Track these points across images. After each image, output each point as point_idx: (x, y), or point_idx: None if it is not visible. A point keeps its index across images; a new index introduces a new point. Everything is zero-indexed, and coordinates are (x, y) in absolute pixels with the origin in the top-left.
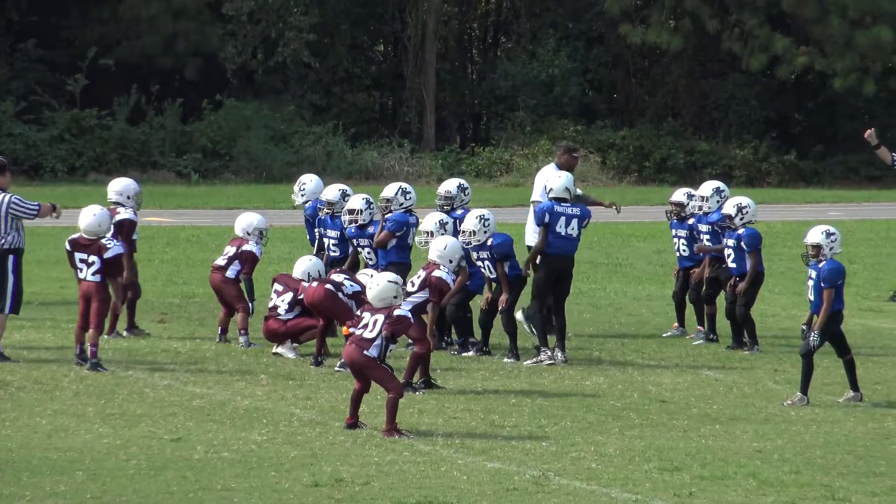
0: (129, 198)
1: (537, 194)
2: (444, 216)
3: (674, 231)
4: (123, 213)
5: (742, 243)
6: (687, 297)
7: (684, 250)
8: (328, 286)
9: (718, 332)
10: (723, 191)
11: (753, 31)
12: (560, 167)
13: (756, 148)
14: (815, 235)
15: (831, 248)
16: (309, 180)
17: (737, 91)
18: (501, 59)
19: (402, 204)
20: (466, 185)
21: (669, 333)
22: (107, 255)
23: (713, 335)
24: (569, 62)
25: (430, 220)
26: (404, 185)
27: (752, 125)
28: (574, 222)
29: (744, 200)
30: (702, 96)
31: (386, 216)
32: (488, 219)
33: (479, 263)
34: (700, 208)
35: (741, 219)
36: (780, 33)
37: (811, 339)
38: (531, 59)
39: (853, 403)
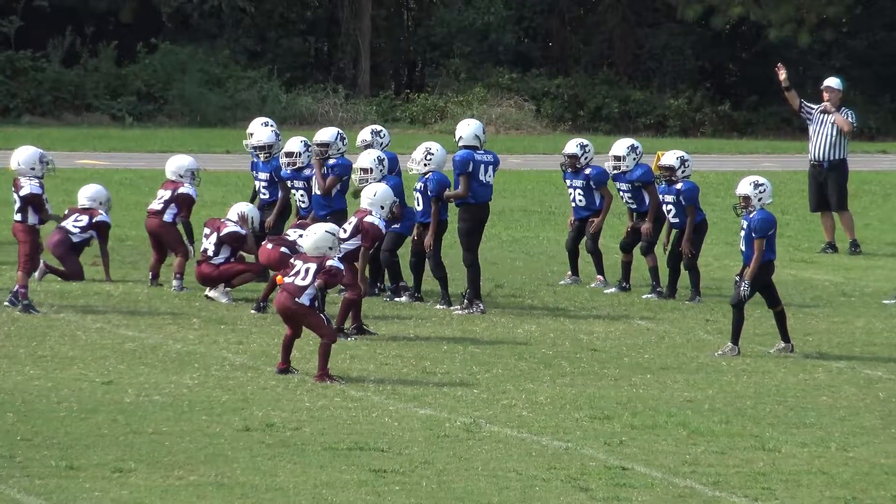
0: (101, 204)
1: None
2: (380, 152)
3: (569, 182)
4: (101, 217)
5: (681, 198)
6: (584, 246)
7: (581, 200)
8: (283, 249)
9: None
10: (637, 147)
11: None
12: None
13: (690, 98)
14: (743, 187)
15: (760, 199)
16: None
17: (671, 41)
18: (437, 5)
19: (339, 150)
20: (380, 128)
21: (564, 282)
22: (21, 192)
23: (641, 283)
24: (504, 10)
25: (366, 156)
26: (339, 130)
27: (687, 75)
28: (490, 169)
29: (685, 153)
30: (636, 45)
31: (329, 161)
32: (433, 152)
33: (414, 194)
34: (617, 168)
35: (683, 171)
36: None
37: (742, 288)
38: (467, 6)
39: (784, 354)
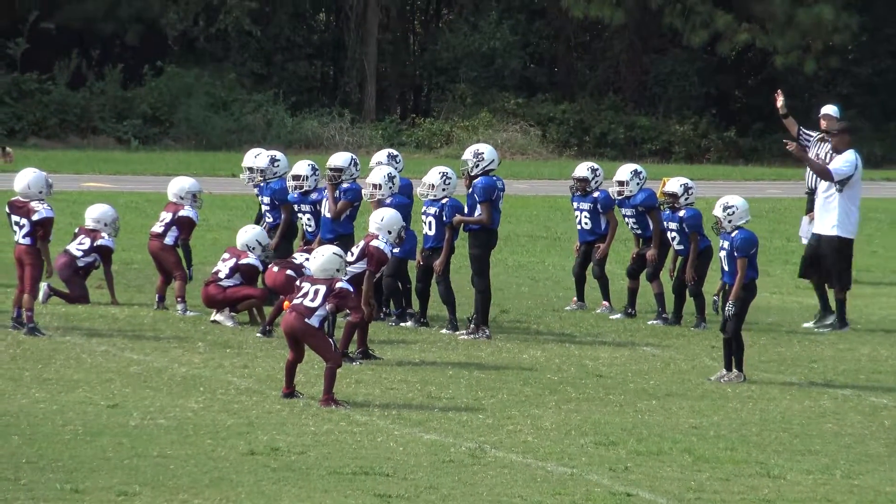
0: (106, 224)
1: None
2: (392, 170)
3: (576, 204)
4: (104, 241)
5: (684, 225)
6: (591, 272)
7: (586, 224)
8: (289, 272)
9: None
10: (640, 172)
11: (695, 7)
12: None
13: (696, 124)
14: (715, 208)
15: (730, 221)
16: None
17: (677, 67)
18: (443, 30)
19: (352, 175)
20: (396, 153)
21: (569, 308)
22: (34, 217)
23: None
24: (510, 35)
25: (378, 172)
26: (353, 156)
27: (693, 101)
28: (502, 195)
29: (689, 180)
30: (642, 71)
31: (341, 186)
32: (450, 178)
33: (424, 219)
34: (621, 193)
35: (686, 198)
36: (721, 9)
37: (727, 308)
38: (473, 31)
39: (727, 381)
